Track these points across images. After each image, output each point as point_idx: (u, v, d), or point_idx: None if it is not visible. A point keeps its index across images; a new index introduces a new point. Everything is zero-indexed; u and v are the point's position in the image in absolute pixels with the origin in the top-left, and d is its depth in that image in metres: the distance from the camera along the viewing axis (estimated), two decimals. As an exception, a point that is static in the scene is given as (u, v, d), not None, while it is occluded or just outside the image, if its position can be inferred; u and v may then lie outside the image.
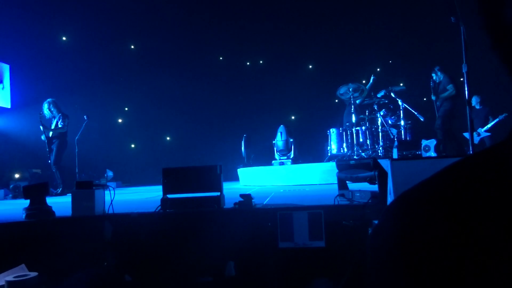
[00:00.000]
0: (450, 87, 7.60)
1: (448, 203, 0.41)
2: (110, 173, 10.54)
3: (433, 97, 7.92)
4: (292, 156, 8.65)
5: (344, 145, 8.52)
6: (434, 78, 7.98)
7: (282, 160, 8.58)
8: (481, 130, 9.05)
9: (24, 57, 11.01)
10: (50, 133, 7.67)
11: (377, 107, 8.29)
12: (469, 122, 4.48)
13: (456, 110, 7.68)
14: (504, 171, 0.41)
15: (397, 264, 0.40)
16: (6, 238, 3.24)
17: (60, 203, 4.29)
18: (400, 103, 8.04)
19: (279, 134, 8.87)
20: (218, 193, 3.53)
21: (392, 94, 8.11)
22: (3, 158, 10.00)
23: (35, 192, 3.56)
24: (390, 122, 8.23)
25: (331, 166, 7.21)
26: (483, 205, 0.39)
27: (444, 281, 0.37)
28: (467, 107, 4.47)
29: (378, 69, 12.72)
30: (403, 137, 8.03)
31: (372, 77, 8.98)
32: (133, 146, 13.27)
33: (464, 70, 4.49)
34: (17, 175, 9.00)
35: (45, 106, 7.88)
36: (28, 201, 3.55)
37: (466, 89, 4.47)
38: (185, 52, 13.07)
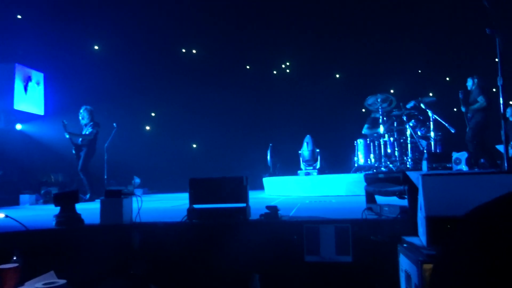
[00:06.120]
0: (480, 98, 7.42)
1: None
2: (137, 180, 10.70)
3: (462, 109, 7.72)
4: (318, 166, 8.58)
5: (372, 156, 8.39)
6: (469, 84, 7.76)
7: (308, 171, 8.52)
8: None
9: (58, 66, 11.34)
10: (79, 140, 7.82)
11: (406, 118, 8.13)
12: (503, 135, 4.34)
13: (488, 122, 7.48)
14: None
15: (479, 263, 0.48)
16: (37, 244, 3.31)
17: (89, 210, 4.37)
18: (430, 114, 7.87)
19: (305, 144, 8.82)
20: (244, 205, 3.51)
21: (422, 105, 7.94)
22: (36, 164, 10.29)
23: (66, 199, 3.64)
24: (419, 133, 8.05)
25: (358, 177, 7.11)
26: None
27: None
28: (502, 120, 4.32)
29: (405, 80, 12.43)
30: (433, 149, 7.85)
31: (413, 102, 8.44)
32: (159, 153, 13.41)
33: (500, 83, 4.35)
34: (48, 181, 9.21)
35: (80, 112, 8.06)
36: (58, 208, 3.63)
37: (501, 102, 4.32)
38: (212, 61, 13.19)
